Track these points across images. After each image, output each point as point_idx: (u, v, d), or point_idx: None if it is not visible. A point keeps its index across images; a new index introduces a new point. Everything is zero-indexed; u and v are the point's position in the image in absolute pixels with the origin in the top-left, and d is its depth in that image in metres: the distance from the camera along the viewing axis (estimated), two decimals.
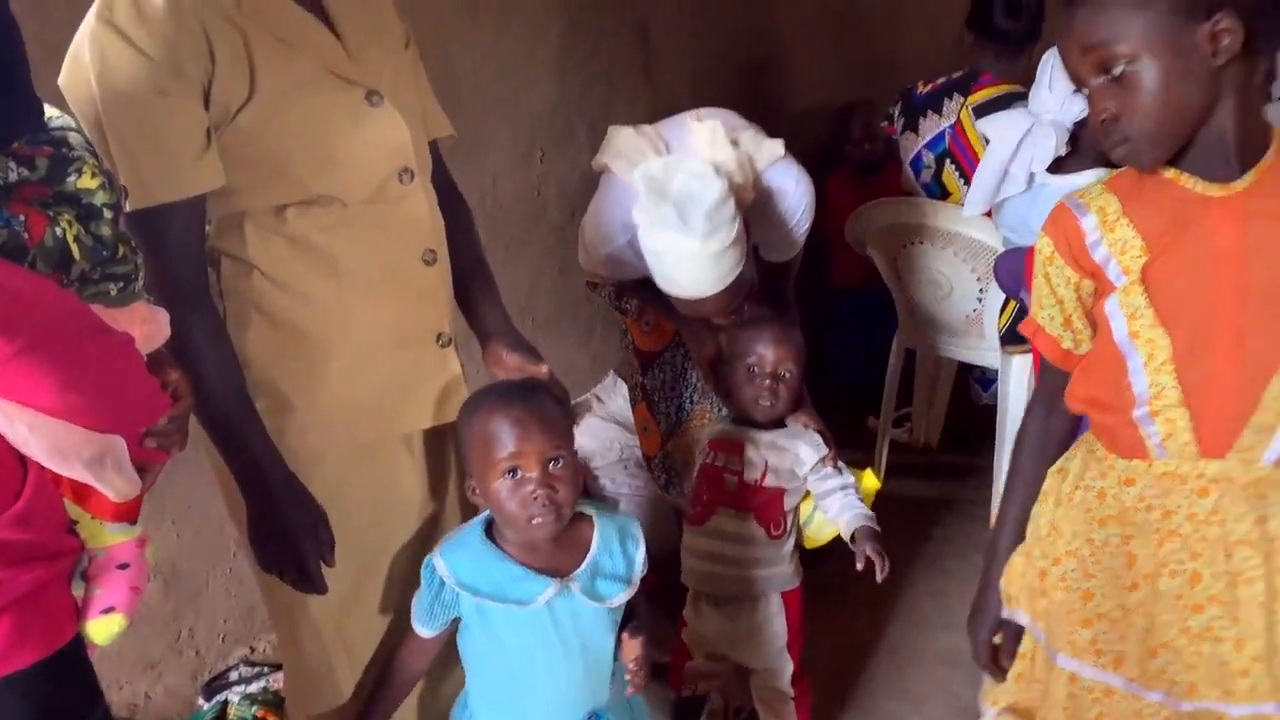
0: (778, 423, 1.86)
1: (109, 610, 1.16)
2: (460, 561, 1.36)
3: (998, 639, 1.41)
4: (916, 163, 2.74)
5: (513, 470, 1.31)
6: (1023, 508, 1.37)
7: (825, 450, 1.83)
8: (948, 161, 2.65)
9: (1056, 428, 1.35)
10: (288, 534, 1.31)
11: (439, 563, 1.37)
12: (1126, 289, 1.18)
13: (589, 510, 1.43)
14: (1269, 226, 1.12)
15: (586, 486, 2.53)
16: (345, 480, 1.40)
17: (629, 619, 1.44)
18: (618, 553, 1.41)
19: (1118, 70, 1.11)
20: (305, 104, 1.27)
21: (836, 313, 3.40)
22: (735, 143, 1.83)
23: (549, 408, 1.35)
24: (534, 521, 1.32)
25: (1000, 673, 1.42)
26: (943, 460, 3.16)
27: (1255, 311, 1.13)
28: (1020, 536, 1.36)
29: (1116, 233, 1.19)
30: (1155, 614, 1.24)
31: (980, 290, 2.59)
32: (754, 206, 1.87)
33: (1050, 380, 1.34)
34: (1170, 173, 1.17)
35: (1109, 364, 1.22)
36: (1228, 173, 1.14)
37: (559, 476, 1.32)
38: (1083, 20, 1.13)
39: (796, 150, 1.92)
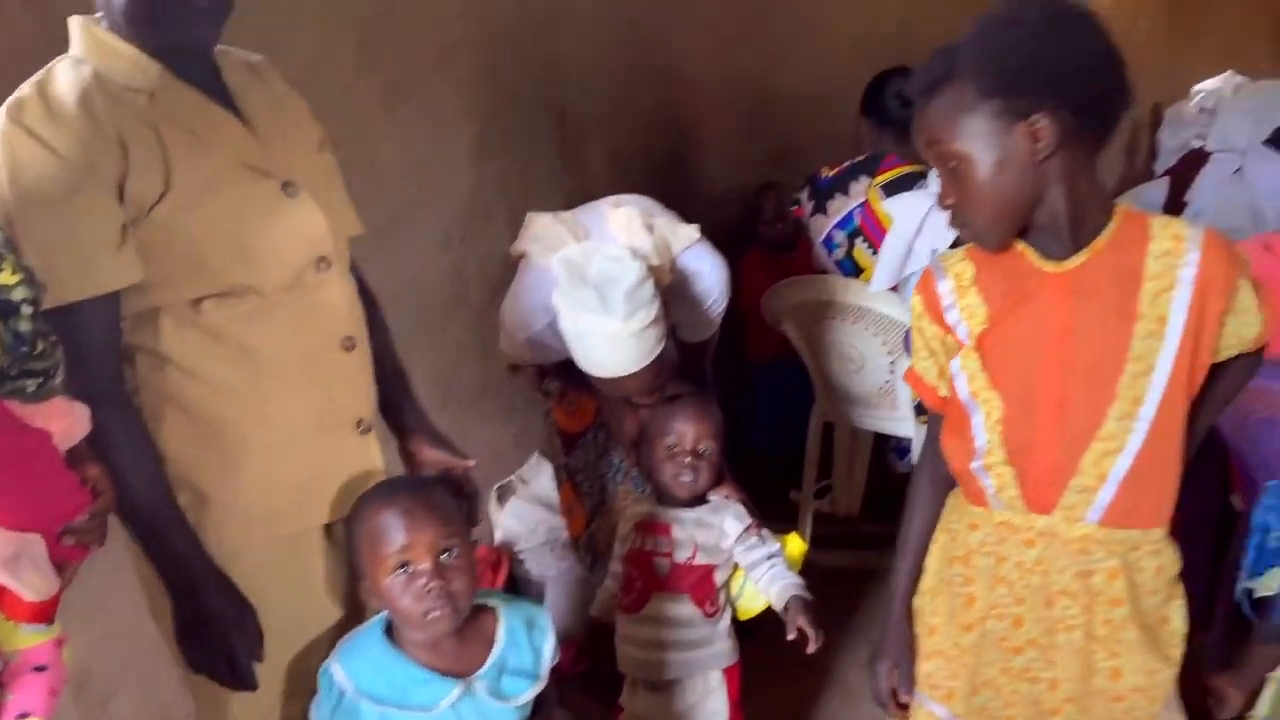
0: (700, 498, 1.89)
1: (24, 717, 1.12)
2: (359, 667, 1.31)
3: (894, 678, 1.48)
4: (829, 242, 2.84)
5: (404, 565, 1.27)
6: (915, 550, 1.45)
7: (749, 520, 1.86)
8: (859, 239, 2.75)
9: (943, 471, 1.42)
10: (216, 630, 1.29)
11: (336, 670, 1.31)
12: (966, 352, 1.29)
13: (492, 602, 1.40)
14: (1095, 303, 1.23)
15: (510, 570, 2.52)
16: (265, 574, 1.37)
17: (539, 711, 1.40)
18: (524, 645, 1.37)
19: (953, 165, 1.22)
20: (221, 196, 1.29)
21: (755, 387, 3.46)
22: (651, 228, 1.89)
23: (438, 498, 1.33)
24: (430, 616, 1.28)
25: (899, 710, 1.48)
26: (865, 530, 3.20)
27: (1077, 382, 1.24)
28: (916, 575, 1.44)
29: (967, 298, 1.30)
30: (981, 653, 1.32)
31: (891, 363, 2.67)
32: (671, 288, 1.92)
33: (934, 426, 1.43)
34: (1020, 245, 1.27)
35: (959, 416, 1.33)
36: (1063, 251, 1.24)
37: (453, 568, 1.29)
38: (924, 120, 1.24)
39: (712, 232, 1.99)
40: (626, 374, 1.78)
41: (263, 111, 1.36)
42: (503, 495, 2.64)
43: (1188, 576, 1.41)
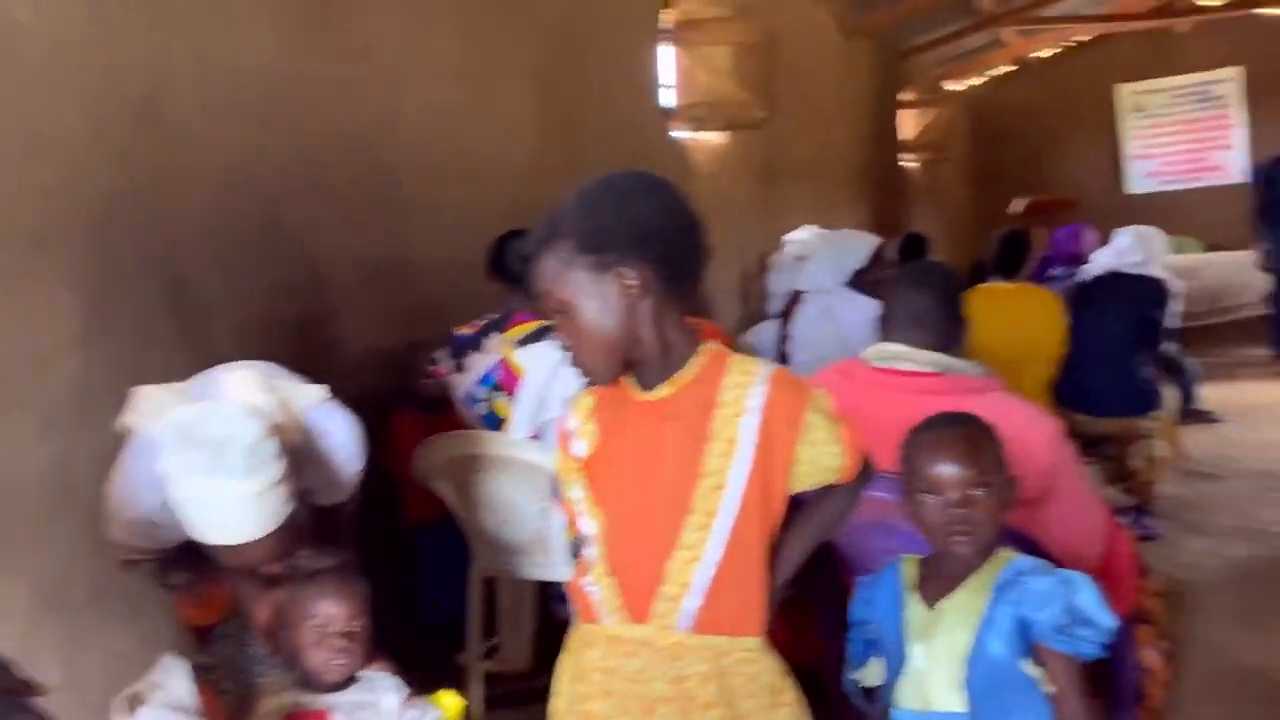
0: (350, 678, 1.79)
1: None
2: None
3: None
4: (471, 399, 2.89)
5: None
6: None
7: (406, 689, 1.79)
8: (498, 393, 2.82)
9: None
10: None
11: None
12: (577, 474, 1.44)
13: None
14: (677, 427, 1.39)
15: None
16: None
17: None
18: None
19: (563, 311, 1.39)
20: None
21: (415, 550, 3.38)
22: (273, 389, 1.83)
23: None
24: None
25: None
26: (538, 683, 3.15)
27: (661, 497, 1.39)
28: None
29: (586, 427, 1.46)
30: None
31: (541, 509, 2.72)
32: (301, 449, 1.85)
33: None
34: (626, 380, 1.44)
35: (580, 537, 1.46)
36: (655, 382, 1.42)
37: None
38: (537, 273, 1.40)
39: (355, 391, 1.97)
40: (250, 540, 1.67)
41: None
42: (133, 703, 2.35)
43: (830, 679, 1.55)
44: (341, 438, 1.93)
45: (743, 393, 1.39)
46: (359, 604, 1.77)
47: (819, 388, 1.48)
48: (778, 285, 5.41)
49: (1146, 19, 10.38)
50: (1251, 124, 11.33)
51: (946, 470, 1.48)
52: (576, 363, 1.42)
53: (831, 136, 7.90)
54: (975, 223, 10.67)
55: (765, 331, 4.75)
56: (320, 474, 1.94)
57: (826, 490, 1.48)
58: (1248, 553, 3.87)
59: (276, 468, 1.66)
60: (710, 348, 1.44)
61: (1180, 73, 11.69)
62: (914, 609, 1.51)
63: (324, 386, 1.93)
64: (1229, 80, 11.54)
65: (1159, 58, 11.55)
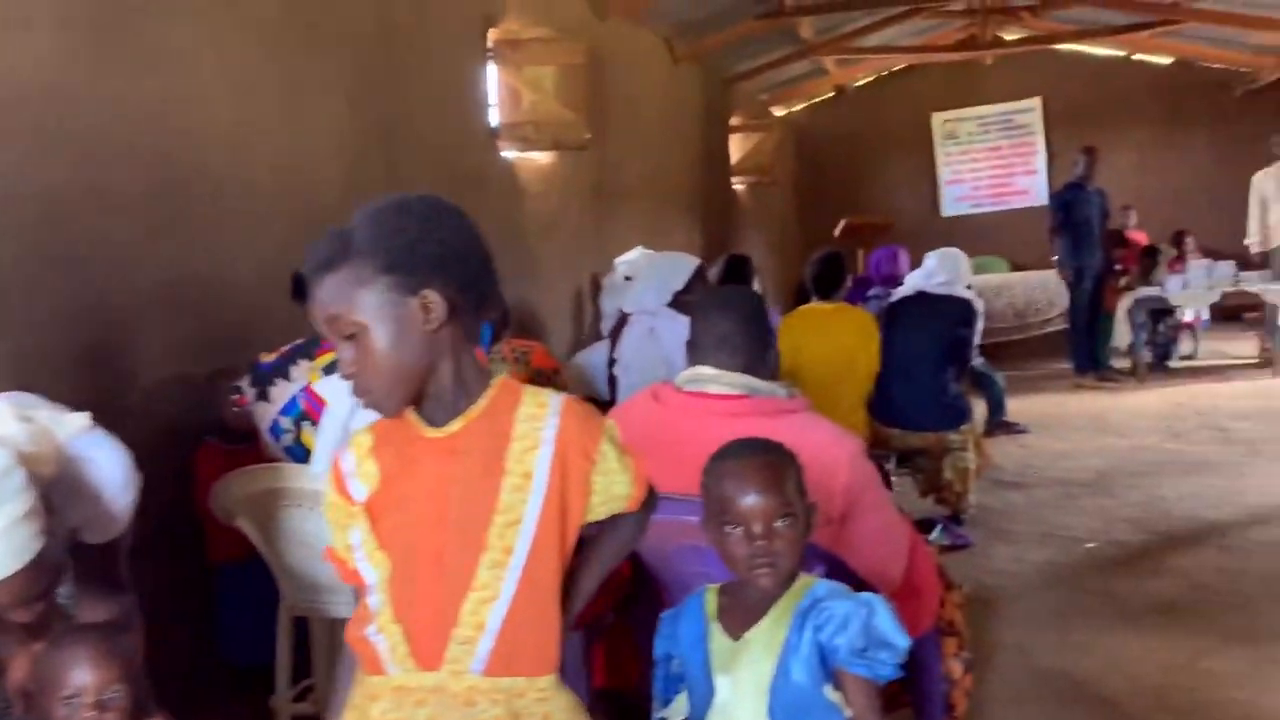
0: None
1: None
2: None
3: None
4: (275, 430, 2.74)
5: None
6: None
7: None
8: (306, 423, 2.68)
9: None
10: None
11: None
12: (358, 517, 1.35)
13: None
14: (469, 462, 1.33)
15: None
16: None
17: None
18: None
19: (352, 335, 1.30)
20: None
21: (220, 591, 3.18)
22: (28, 419, 1.67)
23: None
24: None
25: None
26: None
27: (452, 536, 1.32)
28: None
29: (365, 467, 1.37)
30: None
31: None
32: (63, 481, 1.69)
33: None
34: (411, 415, 1.35)
35: (362, 584, 1.37)
36: (445, 417, 1.35)
37: None
38: (324, 295, 1.31)
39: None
40: None
41: None
42: None
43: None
44: (109, 468, 1.77)
45: (537, 425, 1.35)
46: (116, 670, 1.59)
47: (608, 418, 1.45)
48: (609, 306, 5.42)
49: (955, 51, 11.01)
50: (1050, 151, 12.15)
51: (750, 502, 1.46)
52: (363, 392, 1.33)
53: (663, 159, 8.01)
54: (802, 244, 11.01)
55: (597, 352, 4.74)
56: (88, 508, 1.78)
57: (614, 519, 1.44)
58: (1048, 558, 4.10)
59: (24, 500, 1.51)
60: (501, 379, 1.39)
61: (987, 102, 12.46)
62: (718, 640, 1.50)
63: (87, 414, 1.77)
64: (1031, 110, 12.37)
65: (968, 88, 12.27)
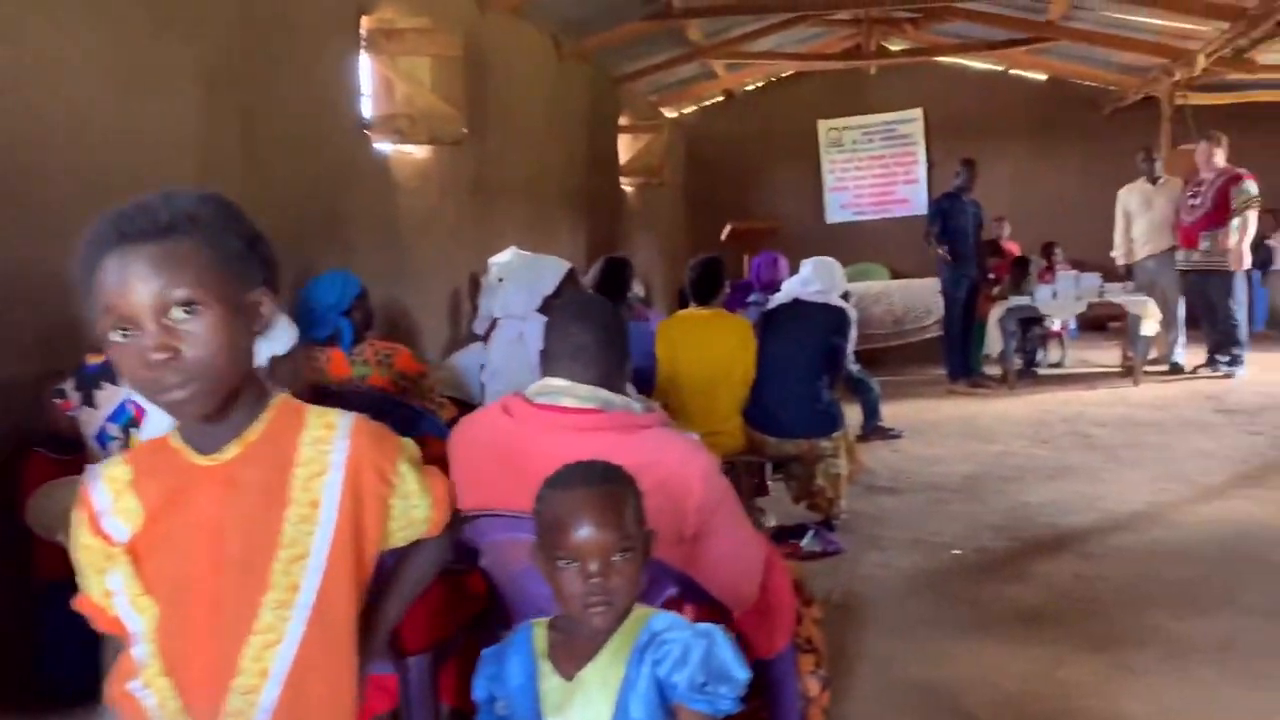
0: None
1: None
2: None
3: None
4: (102, 437, 2.55)
5: None
6: None
7: None
8: (135, 431, 2.50)
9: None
10: None
11: None
12: (118, 560, 1.19)
13: None
14: (247, 495, 1.20)
15: None
16: None
17: None
18: None
19: (191, 309, 1.11)
20: None
21: (47, 611, 2.95)
22: None
23: None
24: None
25: None
26: None
27: (230, 578, 1.19)
28: None
29: (123, 502, 1.20)
30: None
31: None
32: None
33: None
34: (175, 442, 1.20)
35: (125, 634, 1.20)
36: (216, 443, 1.20)
37: None
38: (158, 261, 1.10)
39: None
40: None
41: None
42: None
43: None
44: None
45: (324, 449, 1.22)
46: None
47: (405, 438, 1.34)
48: (485, 308, 5.28)
49: (840, 59, 11.18)
50: (930, 161, 12.46)
51: (586, 536, 1.35)
52: (184, 380, 1.10)
53: (547, 156, 7.88)
54: (690, 247, 11.03)
55: (471, 354, 4.61)
56: None
57: (415, 545, 1.34)
58: (915, 564, 4.13)
59: None
60: (281, 398, 1.26)
61: (871, 112, 12.69)
62: (549, 680, 1.39)
63: None
64: (913, 120, 12.65)
65: (853, 97, 12.49)
